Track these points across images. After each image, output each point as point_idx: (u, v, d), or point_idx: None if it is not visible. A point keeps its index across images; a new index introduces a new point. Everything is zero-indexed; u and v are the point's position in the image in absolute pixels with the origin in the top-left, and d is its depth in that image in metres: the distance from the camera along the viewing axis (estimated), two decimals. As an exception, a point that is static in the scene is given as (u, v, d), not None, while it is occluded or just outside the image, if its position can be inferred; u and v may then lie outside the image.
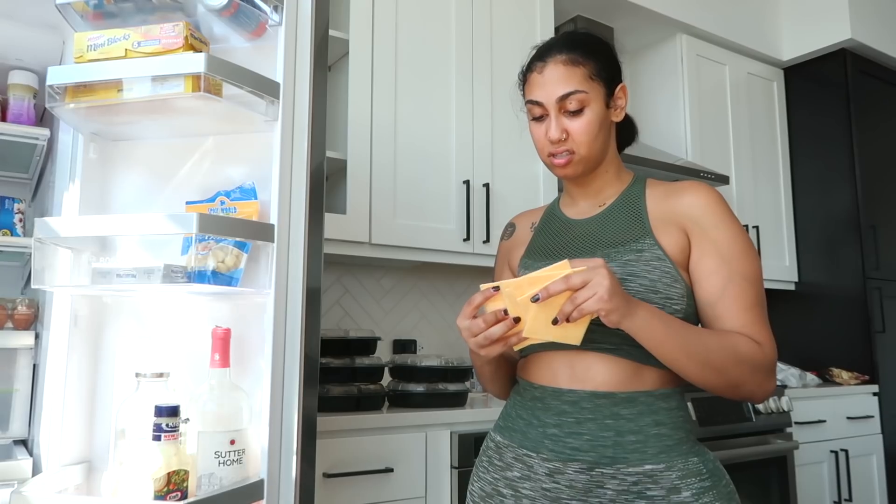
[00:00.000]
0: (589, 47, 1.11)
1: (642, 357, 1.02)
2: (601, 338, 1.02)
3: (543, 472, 1.03)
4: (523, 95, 1.17)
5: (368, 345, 1.98)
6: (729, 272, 1.03)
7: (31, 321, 1.45)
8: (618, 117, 1.15)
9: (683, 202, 1.08)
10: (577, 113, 1.08)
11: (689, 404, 2.28)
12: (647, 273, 1.03)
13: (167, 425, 1.04)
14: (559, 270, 0.92)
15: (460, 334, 1.00)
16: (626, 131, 1.23)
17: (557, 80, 1.09)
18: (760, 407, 2.53)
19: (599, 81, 1.10)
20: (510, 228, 1.30)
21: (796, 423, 2.66)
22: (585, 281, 0.91)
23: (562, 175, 1.14)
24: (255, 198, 1.26)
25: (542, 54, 1.13)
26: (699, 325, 1.07)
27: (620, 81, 1.14)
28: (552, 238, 1.18)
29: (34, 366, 1.44)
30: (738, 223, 1.07)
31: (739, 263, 1.03)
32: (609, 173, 1.17)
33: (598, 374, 1.03)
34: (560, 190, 1.27)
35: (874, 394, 3.02)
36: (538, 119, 1.12)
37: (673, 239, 1.06)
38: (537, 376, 1.10)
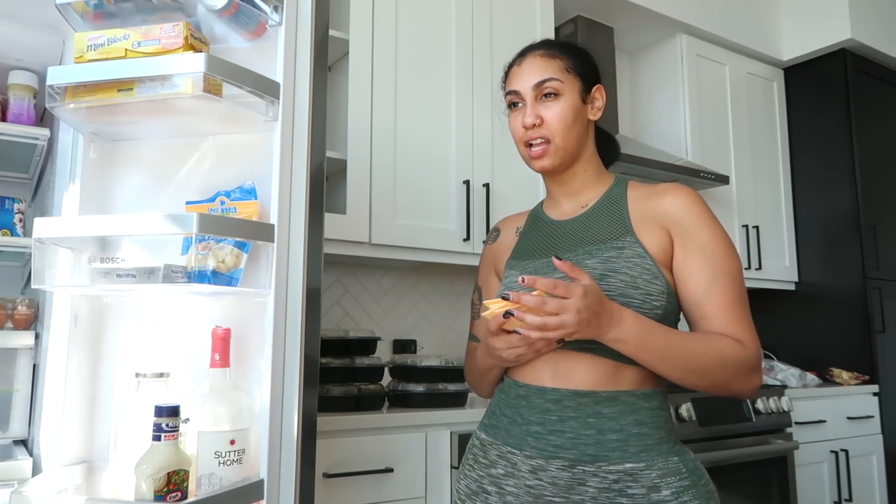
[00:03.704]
0: (566, 46, 1.18)
1: (622, 357, 1.03)
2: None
3: (527, 470, 1.05)
4: (505, 94, 1.21)
5: (368, 345, 1.98)
6: (713, 270, 1.05)
7: (31, 321, 1.45)
8: (594, 116, 1.18)
9: (665, 203, 1.10)
10: (552, 101, 1.13)
11: (689, 404, 2.28)
12: (627, 269, 1.05)
13: (167, 425, 1.04)
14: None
15: (492, 353, 1.06)
16: (609, 148, 1.26)
17: (534, 69, 1.14)
18: (760, 407, 2.53)
19: (575, 75, 1.15)
20: (495, 233, 1.32)
21: (796, 423, 2.65)
22: (558, 310, 0.94)
23: (539, 167, 1.16)
24: (255, 198, 1.26)
25: (523, 52, 1.19)
26: (678, 324, 1.10)
27: (598, 82, 1.18)
28: (538, 239, 1.21)
29: (34, 366, 1.44)
30: (718, 223, 1.10)
31: (722, 262, 1.06)
32: (588, 173, 1.19)
33: (580, 373, 1.05)
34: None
35: (874, 394, 3.02)
36: (515, 110, 1.17)
37: (654, 237, 1.09)
38: (522, 375, 1.11)
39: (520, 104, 1.16)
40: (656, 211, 1.11)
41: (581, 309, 0.93)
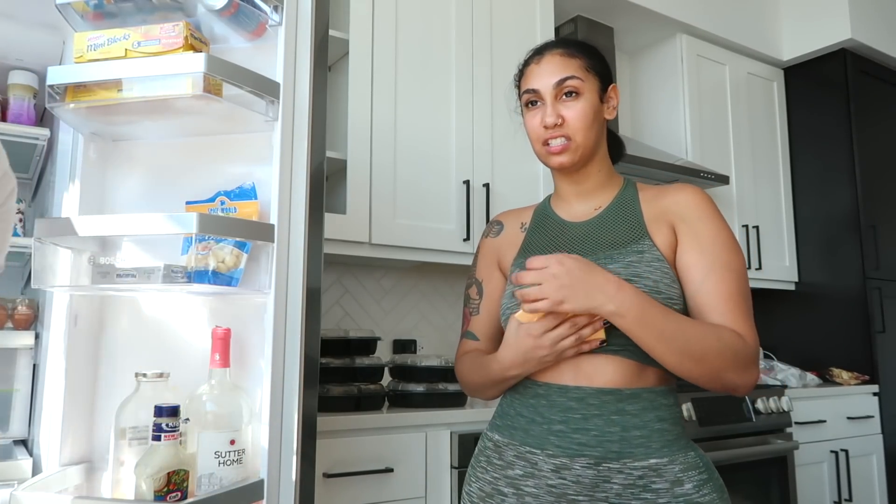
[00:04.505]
0: (583, 46, 1.18)
1: (645, 358, 1.04)
2: (608, 339, 1.04)
3: (549, 469, 1.04)
4: (519, 93, 1.20)
5: (368, 345, 1.98)
6: (710, 263, 1.05)
7: (31, 321, 1.45)
8: (610, 115, 1.18)
9: (672, 200, 1.11)
10: (573, 100, 1.12)
11: (689, 404, 2.28)
12: (649, 274, 1.05)
13: (167, 425, 1.04)
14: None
15: (533, 357, 1.04)
16: (615, 147, 1.25)
17: (554, 68, 1.13)
18: (760, 407, 2.53)
19: (594, 74, 1.14)
20: (497, 226, 1.28)
21: (796, 423, 2.65)
22: (536, 279, 0.97)
23: (557, 165, 1.14)
24: (255, 198, 1.26)
25: (540, 50, 1.18)
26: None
27: (612, 82, 1.18)
28: (549, 239, 1.19)
29: (34, 366, 1.44)
30: (723, 221, 1.09)
31: (721, 255, 1.05)
32: (601, 174, 1.18)
33: (605, 372, 1.05)
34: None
35: (874, 394, 3.02)
36: (533, 110, 1.15)
37: (665, 238, 1.09)
38: (540, 374, 1.10)
39: (538, 103, 1.14)
40: (664, 209, 1.11)
41: (557, 274, 0.95)
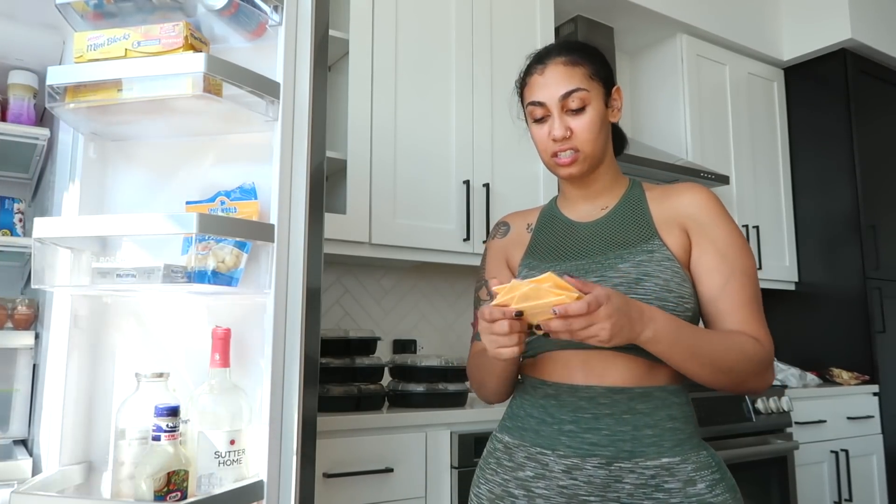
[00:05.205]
0: (586, 50, 1.15)
1: (655, 357, 1.02)
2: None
3: (560, 470, 1.03)
4: (521, 101, 1.19)
5: (368, 345, 1.98)
6: (729, 268, 1.06)
7: (31, 321, 1.45)
8: (615, 118, 1.17)
9: (683, 202, 1.11)
10: (580, 111, 1.10)
11: (689, 404, 2.29)
12: (660, 273, 1.05)
13: (167, 425, 1.04)
14: (561, 290, 0.89)
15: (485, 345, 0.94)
16: (617, 140, 1.24)
17: (559, 79, 1.11)
18: (760, 407, 2.53)
19: (598, 81, 1.13)
20: (504, 227, 1.28)
21: (796, 423, 2.65)
22: (588, 324, 0.88)
23: (566, 175, 1.14)
24: (255, 198, 1.26)
25: (542, 58, 1.15)
26: (701, 322, 1.10)
27: (615, 84, 1.18)
28: (557, 239, 1.18)
29: (34, 366, 1.44)
30: (733, 221, 1.10)
31: (738, 260, 1.06)
32: (608, 176, 1.18)
33: (615, 371, 1.04)
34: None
35: (874, 394, 3.02)
36: (540, 121, 1.14)
37: (676, 239, 1.09)
38: (550, 374, 1.10)
39: (544, 116, 1.12)
40: (675, 211, 1.11)
41: (611, 313, 0.88)
